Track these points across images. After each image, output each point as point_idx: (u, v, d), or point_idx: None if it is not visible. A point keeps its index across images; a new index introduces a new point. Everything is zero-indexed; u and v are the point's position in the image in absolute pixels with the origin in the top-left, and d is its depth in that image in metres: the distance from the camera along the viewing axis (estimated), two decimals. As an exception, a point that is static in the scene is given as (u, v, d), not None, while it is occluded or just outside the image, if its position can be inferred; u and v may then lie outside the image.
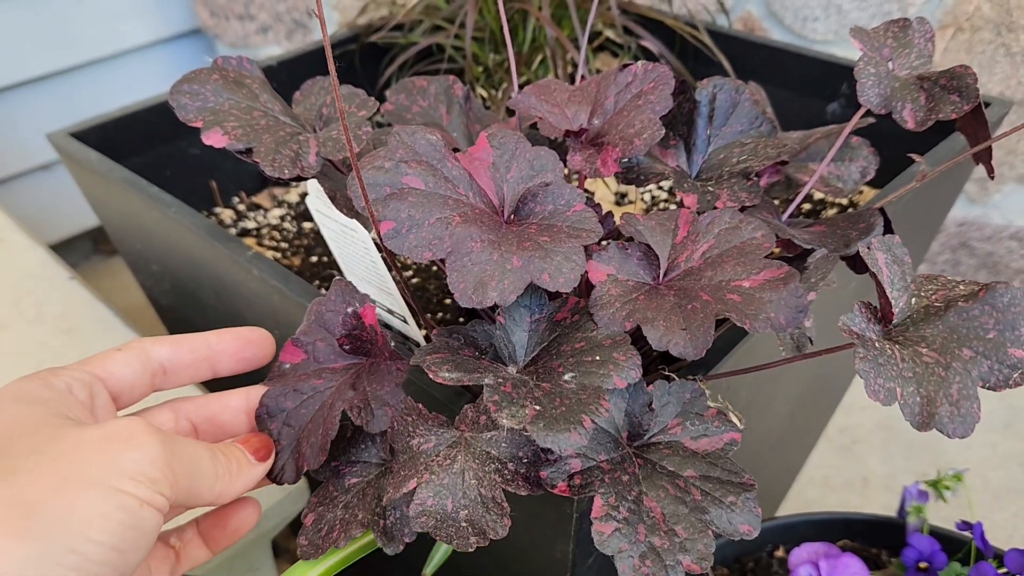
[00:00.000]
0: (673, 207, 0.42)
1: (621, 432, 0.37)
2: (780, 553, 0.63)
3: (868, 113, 0.44)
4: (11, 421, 0.33)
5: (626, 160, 0.46)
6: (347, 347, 0.40)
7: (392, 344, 0.40)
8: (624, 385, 0.34)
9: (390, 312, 0.49)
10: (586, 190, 0.45)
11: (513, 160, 0.40)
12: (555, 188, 0.39)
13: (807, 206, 0.74)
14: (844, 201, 0.74)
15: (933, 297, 0.37)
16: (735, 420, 0.37)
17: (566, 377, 0.35)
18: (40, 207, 1.39)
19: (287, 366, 0.41)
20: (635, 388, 0.37)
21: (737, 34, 0.82)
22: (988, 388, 0.35)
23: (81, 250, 1.50)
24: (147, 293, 0.80)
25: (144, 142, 0.74)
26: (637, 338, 0.36)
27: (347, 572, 0.39)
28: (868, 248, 0.37)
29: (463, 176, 0.39)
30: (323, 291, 0.51)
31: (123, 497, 0.30)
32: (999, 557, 0.54)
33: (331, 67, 0.32)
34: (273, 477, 0.39)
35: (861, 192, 0.74)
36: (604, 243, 0.42)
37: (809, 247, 0.42)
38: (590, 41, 0.85)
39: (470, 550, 0.33)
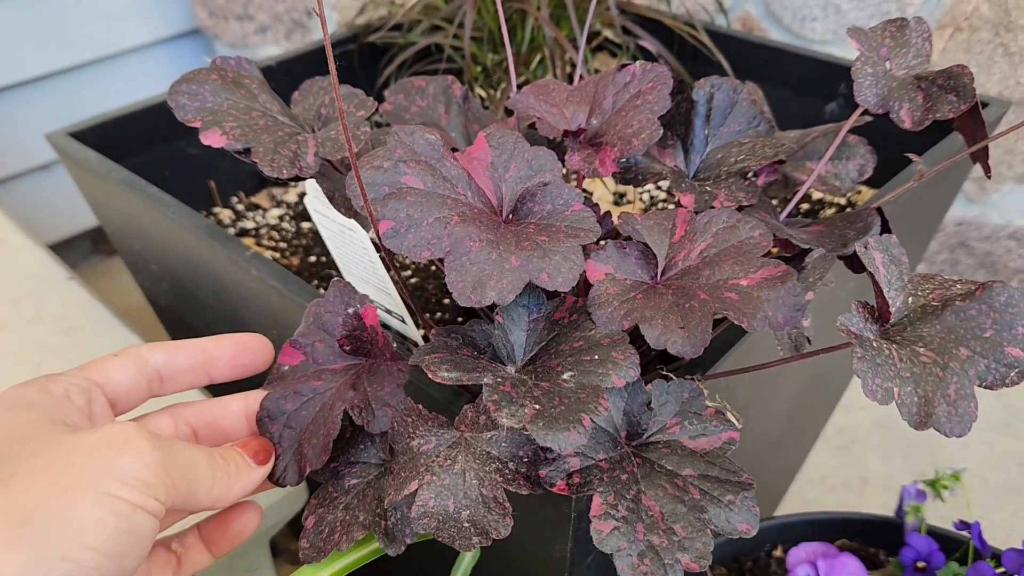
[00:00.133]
0: (671, 207, 0.43)
1: (620, 431, 0.37)
2: (778, 552, 0.63)
3: (865, 113, 0.44)
4: (7, 428, 0.33)
5: (624, 160, 0.46)
6: (347, 348, 0.40)
7: (394, 345, 0.40)
8: (623, 384, 0.34)
9: (388, 312, 0.49)
10: (584, 190, 0.45)
11: (511, 160, 0.40)
12: (553, 188, 0.39)
13: (805, 205, 0.74)
14: (842, 201, 0.74)
15: (930, 296, 0.37)
16: (733, 419, 0.37)
17: (565, 376, 0.35)
18: (39, 207, 1.39)
19: (286, 368, 0.41)
20: (634, 387, 0.37)
21: (735, 34, 0.82)
22: (985, 387, 0.35)
23: (80, 250, 1.50)
24: (146, 293, 0.80)
25: (143, 142, 0.74)
26: (635, 337, 0.36)
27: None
28: (865, 247, 0.37)
29: (462, 176, 0.39)
30: (322, 291, 0.51)
31: (117, 503, 0.30)
32: (997, 557, 0.54)
33: (331, 67, 0.32)
34: (275, 479, 0.39)
35: (859, 192, 0.74)
36: (602, 242, 0.42)
37: (807, 247, 0.42)
38: (588, 41, 0.85)
39: (473, 550, 0.33)
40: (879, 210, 0.43)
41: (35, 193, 1.38)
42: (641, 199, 0.77)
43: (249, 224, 0.77)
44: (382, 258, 0.44)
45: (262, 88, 0.46)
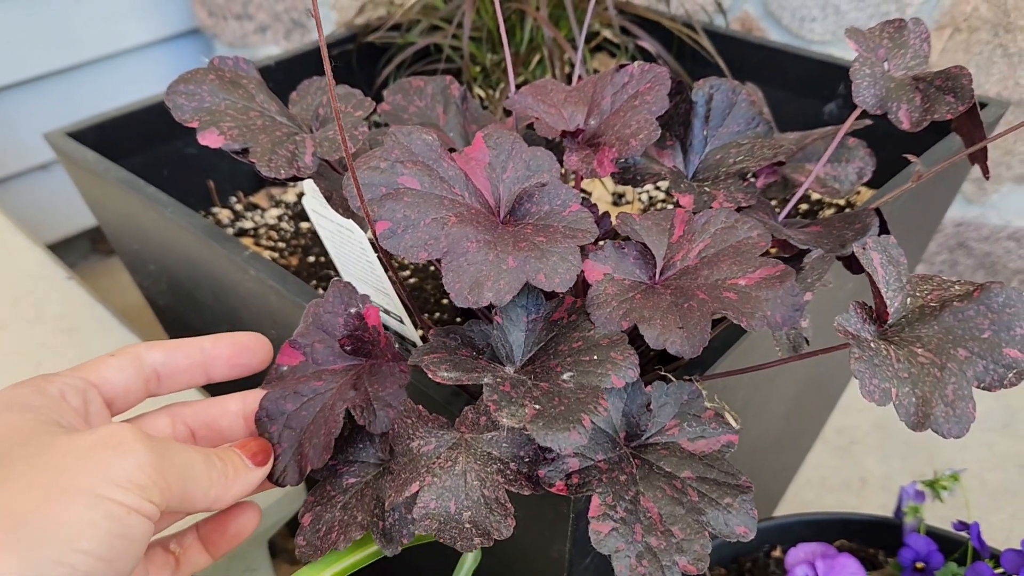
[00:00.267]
0: (670, 207, 0.42)
1: (619, 432, 0.37)
2: (777, 553, 0.63)
3: (864, 114, 0.44)
4: (1, 430, 0.33)
5: (622, 160, 0.46)
6: (348, 348, 0.40)
7: (396, 346, 0.40)
8: (622, 384, 0.34)
9: (387, 312, 0.49)
10: (583, 190, 0.45)
11: (509, 160, 0.40)
12: (551, 188, 0.39)
13: (804, 207, 0.74)
14: (841, 202, 0.74)
15: (928, 297, 0.37)
16: (731, 420, 0.37)
17: (564, 377, 0.35)
18: (38, 207, 1.39)
19: (285, 368, 0.40)
20: (633, 388, 0.37)
21: (735, 34, 0.82)
22: (983, 388, 0.35)
23: (79, 250, 1.50)
24: (144, 293, 0.80)
25: (141, 142, 0.74)
26: (634, 337, 0.36)
27: None
28: (863, 248, 0.37)
29: (459, 176, 0.39)
30: (320, 292, 0.51)
31: (110, 505, 0.30)
32: (995, 557, 0.54)
33: (327, 67, 0.32)
34: (275, 479, 0.39)
35: (858, 193, 0.74)
36: (600, 243, 0.42)
37: (805, 247, 0.42)
38: (587, 41, 0.85)
39: (474, 551, 0.33)
40: (877, 211, 0.43)
41: (34, 193, 1.38)
42: (640, 199, 0.77)
43: (248, 224, 0.77)
44: (380, 258, 0.44)
45: (260, 88, 0.46)
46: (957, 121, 0.45)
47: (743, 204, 0.43)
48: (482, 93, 0.83)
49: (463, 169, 0.39)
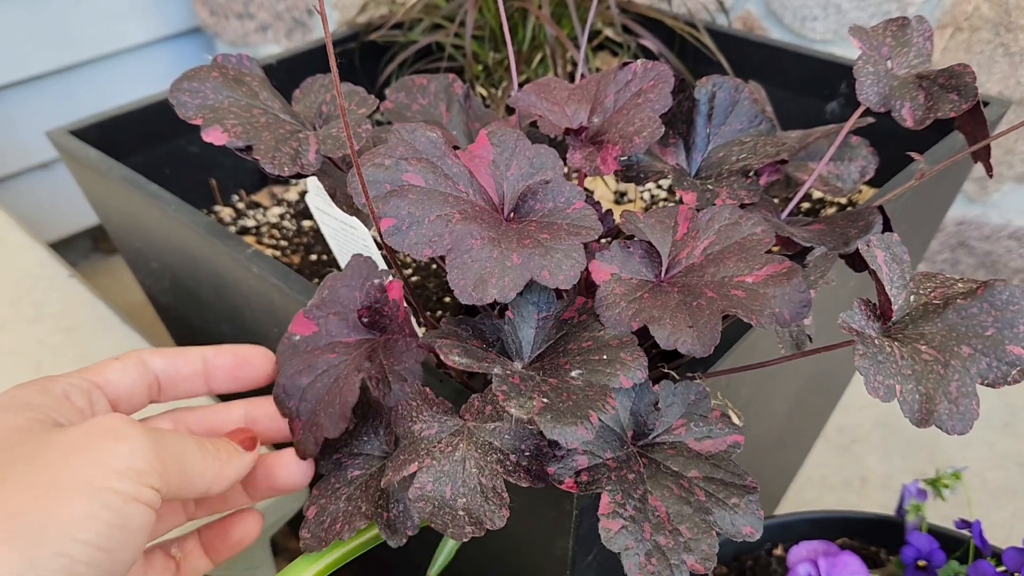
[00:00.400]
0: (673, 205, 0.43)
1: (626, 431, 0.37)
2: (779, 551, 0.63)
3: (867, 112, 0.44)
4: (2, 429, 0.33)
5: (625, 158, 0.46)
6: (366, 320, 0.40)
7: (413, 321, 0.39)
8: (630, 385, 0.35)
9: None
10: (585, 188, 0.45)
11: (513, 158, 0.40)
12: (555, 186, 0.39)
13: (806, 205, 0.74)
14: (843, 200, 0.74)
15: (932, 295, 0.38)
16: (734, 418, 0.38)
17: (573, 374, 0.35)
18: (39, 206, 1.39)
19: (297, 338, 0.40)
20: (641, 387, 0.37)
21: (736, 33, 0.83)
22: (987, 385, 0.35)
23: (80, 249, 1.50)
24: (146, 291, 0.80)
25: (144, 140, 0.74)
26: (638, 333, 0.36)
27: (349, 568, 0.39)
28: (867, 246, 0.37)
29: (463, 173, 0.39)
30: (323, 289, 0.51)
31: (109, 496, 0.30)
32: (997, 555, 0.54)
33: (332, 64, 0.32)
34: (299, 452, 0.39)
35: (860, 191, 0.74)
36: (605, 241, 0.42)
37: (808, 245, 0.42)
38: (589, 40, 0.85)
39: (465, 540, 0.33)
40: (881, 209, 0.43)
41: (35, 192, 1.38)
42: (642, 198, 0.77)
43: (250, 222, 0.77)
44: (384, 255, 0.44)
45: (263, 86, 0.46)
46: (960, 119, 0.45)
47: (746, 201, 0.43)
48: (484, 92, 0.83)
49: (467, 166, 0.39)
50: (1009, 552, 0.53)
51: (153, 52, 1.42)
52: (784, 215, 0.47)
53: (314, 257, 0.71)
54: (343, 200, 0.44)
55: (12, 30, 1.23)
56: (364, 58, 0.87)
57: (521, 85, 0.60)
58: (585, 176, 0.45)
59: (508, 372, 0.35)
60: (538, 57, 0.80)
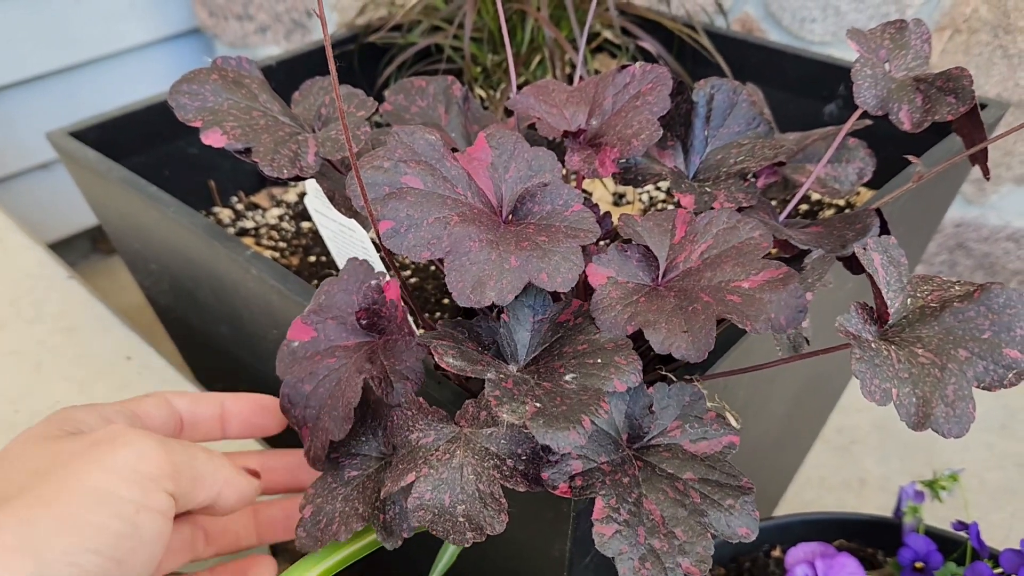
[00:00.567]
0: (671, 207, 0.43)
1: (621, 434, 0.37)
2: (777, 553, 0.63)
3: (865, 115, 0.44)
4: (29, 442, 0.33)
5: (624, 161, 0.46)
6: (364, 322, 0.40)
7: (411, 320, 0.40)
8: (624, 388, 0.35)
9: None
10: (584, 191, 0.45)
11: (511, 160, 0.40)
12: (553, 188, 0.39)
13: (804, 207, 0.74)
14: (841, 202, 0.74)
15: (929, 298, 0.38)
16: (732, 420, 0.38)
17: (567, 378, 0.35)
18: (38, 206, 1.39)
19: (296, 344, 0.40)
20: (636, 390, 0.37)
21: (735, 35, 0.83)
22: (983, 388, 0.35)
23: (79, 249, 1.50)
24: (145, 293, 0.80)
25: (143, 142, 0.74)
26: (635, 336, 0.36)
27: (349, 571, 0.39)
28: (864, 249, 0.37)
29: (462, 176, 0.39)
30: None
31: (119, 505, 0.30)
32: (995, 557, 0.54)
33: (331, 67, 0.32)
34: (309, 459, 0.39)
35: (858, 193, 0.74)
36: (602, 243, 0.42)
37: (806, 248, 0.42)
38: (588, 42, 0.85)
39: (466, 545, 0.33)
40: (878, 211, 0.43)
41: (34, 192, 1.38)
42: (640, 200, 0.78)
43: (249, 224, 0.77)
44: (382, 258, 0.45)
45: (262, 88, 0.46)
46: (958, 122, 0.45)
47: (744, 204, 0.43)
48: (483, 93, 0.83)
49: (466, 169, 0.39)
50: (1006, 554, 0.53)
51: (153, 53, 1.42)
52: (782, 217, 0.47)
53: (313, 259, 0.71)
54: (342, 202, 0.45)
55: (12, 30, 1.23)
56: (363, 60, 0.87)
57: (520, 87, 0.60)
58: (583, 178, 0.45)
59: (502, 376, 0.35)
60: (536, 59, 0.81)
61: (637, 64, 0.46)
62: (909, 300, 0.38)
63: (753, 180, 0.46)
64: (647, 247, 0.39)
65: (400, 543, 0.36)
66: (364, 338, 0.40)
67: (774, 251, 0.44)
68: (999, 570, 0.53)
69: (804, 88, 0.78)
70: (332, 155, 0.42)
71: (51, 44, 1.28)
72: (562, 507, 0.40)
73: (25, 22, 1.24)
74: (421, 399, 0.37)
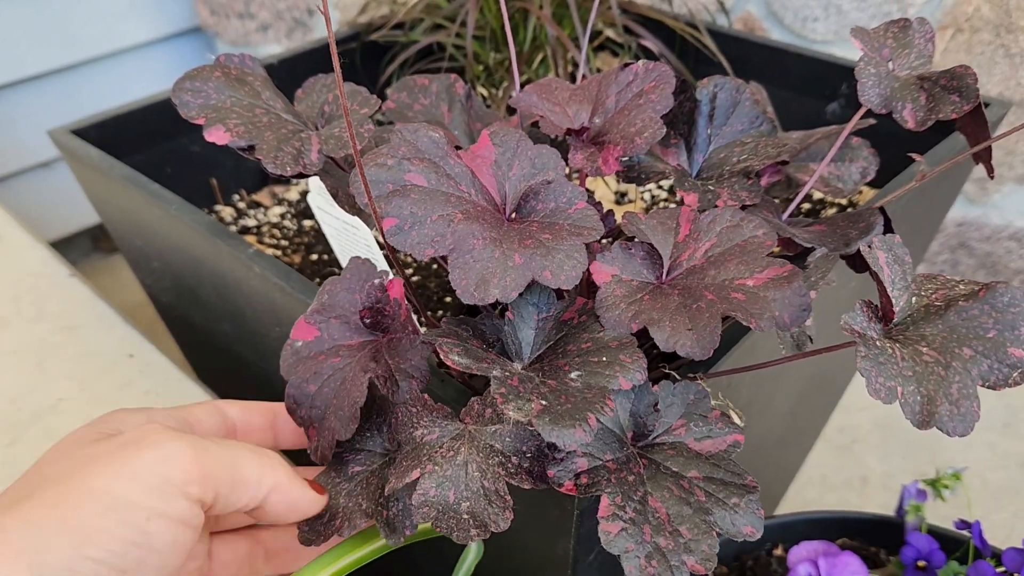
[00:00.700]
0: (673, 206, 0.43)
1: (626, 432, 0.37)
2: (779, 551, 0.63)
3: (868, 113, 0.44)
4: (64, 446, 0.32)
5: (627, 159, 0.46)
6: (368, 321, 0.39)
7: (415, 318, 0.39)
8: (629, 387, 0.35)
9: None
10: (586, 189, 0.45)
11: (515, 158, 0.40)
12: (557, 186, 0.39)
13: (806, 206, 0.74)
14: (844, 201, 0.74)
15: (933, 296, 0.38)
16: (736, 418, 0.38)
17: (572, 376, 0.35)
18: (39, 205, 1.39)
19: (300, 344, 0.40)
20: (640, 388, 0.37)
21: (737, 34, 0.83)
22: (988, 387, 0.35)
23: (80, 248, 1.50)
24: (147, 291, 0.80)
25: (145, 139, 0.74)
26: (639, 334, 0.36)
27: (366, 570, 0.39)
28: (869, 247, 0.37)
29: (465, 173, 0.39)
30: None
31: (128, 510, 0.28)
32: (997, 556, 0.54)
33: (335, 63, 0.32)
34: (314, 458, 0.39)
35: (861, 192, 0.74)
36: (606, 241, 0.42)
37: (809, 246, 0.42)
38: (590, 40, 0.85)
39: (471, 543, 0.33)
40: (882, 210, 0.43)
41: (35, 191, 1.38)
42: (643, 198, 0.77)
43: (251, 222, 0.77)
44: (386, 256, 0.44)
45: (265, 85, 0.46)
46: (961, 121, 0.45)
47: (748, 202, 0.43)
48: (485, 92, 0.83)
49: (469, 166, 0.39)
50: (1009, 553, 0.53)
51: (154, 51, 1.42)
52: (785, 216, 0.47)
53: (315, 257, 0.71)
54: (345, 200, 0.44)
55: (13, 29, 1.23)
56: (365, 58, 0.87)
57: (522, 85, 0.60)
58: (586, 177, 0.45)
59: (507, 374, 0.35)
60: (539, 57, 0.80)
61: (640, 62, 0.45)
62: (914, 299, 0.38)
63: (756, 179, 0.46)
64: (651, 245, 0.39)
65: (403, 540, 0.36)
66: (368, 337, 0.40)
67: (777, 250, 0.44)
68: (1002, 569, 0.53)
69: (806, 87, 0.78)
70: (335, 152, 0.42)
71: (52, 43, 1.28)
72: (566, 505, 0.40)
73: (26, 21, 1.24)
74: (426, 396, 0.37)
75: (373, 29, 0.86)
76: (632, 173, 0.47)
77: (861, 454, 1.02)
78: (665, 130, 0.42)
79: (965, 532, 0.56)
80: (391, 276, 0.40)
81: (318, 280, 0.67)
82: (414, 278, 0.67)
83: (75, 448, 0.32)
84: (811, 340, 0.43)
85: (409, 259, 0.70)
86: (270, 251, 0.72)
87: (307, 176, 0.42)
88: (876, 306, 0.37)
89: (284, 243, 0.74)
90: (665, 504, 0.34)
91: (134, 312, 1.21)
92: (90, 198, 0.73)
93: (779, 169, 0.49)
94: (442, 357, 0.35)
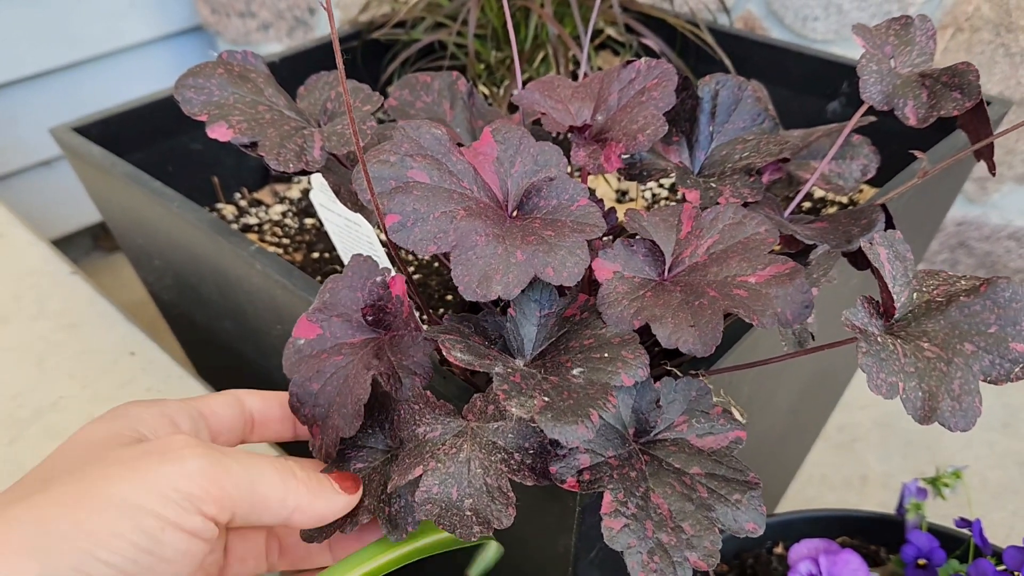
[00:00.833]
0: (675, 204, 0.43)
1: (628, 428, 0.37)
2: (779, 550, 0.63)
3: (870, 111, 0.44)
4: (79, 441, 0.32)
5: (629, 156, 0.46)
6: (370, 318, 0.40)
7: (418, 315, 0.39)
8: (632, 383, 0.35)
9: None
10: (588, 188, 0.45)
11: (517, 155, 0.40)
12: (559, 183, 0.39)
13: (807, 204, 0.74)
14: (844, 199, 0.74)
15: (935, 292, 0.38)
16: (737, 415, 0.38)
17: (574, 372, 0.35)
18: (40, 204, 1.39)
19: (302, 342, 0.40)
20: (643, 385, 0.37)
21: (738, 32, 0.83)
22: (990, 382, 0.35)
23: (81, 247, 1.50)
24: (149, 288, 0.80)
25: (147, 137, 0.74)
26: (641, 331, 0.36)
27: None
28: (871, 243, 0.37)
29: (468, 170, 0.39)
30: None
31: (144, 518, 0.29)
32: (997, 554, 0.54)
33: (339, 61, 0.32)
34: (319, 456, 0.39)
35: (861, 191, 0.74)
36: (607, 239, 0.42)
37: (811, 243, 0.42)
38: (591, 39, 0.85)
39: (474, 539, 0.33)
40: (883, 206, 0.43)
41: (36, 189, 1.38)
42: (643, 197, 0.78)
43: (252, 220, 0.77)
44: (388, 253, 0.45)
45: (268, 82, 0.46)
46: (963, 118, 0.45)
47: (750, 200, 0.43)
48: (486, 90, 0.83)
49: (471, 163, 0.39)
50: (1009, 551, 0.53)
51: (154, 50, 1.42)
52: (787, 213, 0.47)
53: (316, 255, 0.71)
54: (347, 197, 0.45)
55: (14, 28, 1.23)
56: (366, 56, 0.87)
57: (524, 84, 0.60)
58: (588, 174, 0.45)
59: (509, 370, 0.35)
60: (540, 56, 0.81)
61: (642, 60, 0.46)
62: (915, 295, 0.38)
63: (758, 176, 0.46)
64: (653, 242, 0.39)
65: (405, 536, 0.36)
66: (370, 334, 0.40)
67: (779, 247, 0.44)
68: (1002, 567, 0.53)
69: (807, 85, 0.78)
70: (338, 149, 0.42)
71: (53, 42, 1.28)
72: (568, 502, 0.40)
73: (27, 20, 1.24)
74: (428, 393, 0.37)
75: (374, 27, 0.86)
76: (634, 170, 0.47)
77: (861, 452, 1.02)
78: (667, 127, 0.42)
79: (965, 530, 0.57)
80: (393, 273, 0.40)
81: (320, 278, 0.67)
82: (416, 276, 0.67)
83: (93, 447, 0.32)
84: (813, 337, 0.43)
85: (411, 257, 0.70)
86: (272, 249, 0.72)
87: (309, 173, 0.42)
88: (877, 302, 0.37)
89: (286, 241, 0.74)
90: (667, 500, 0.34)
91: (135, 310, 1.21)
92: (92, 196, 0.73)
93: (780, 167, 0.49)
94: (444, 354, 0.35)
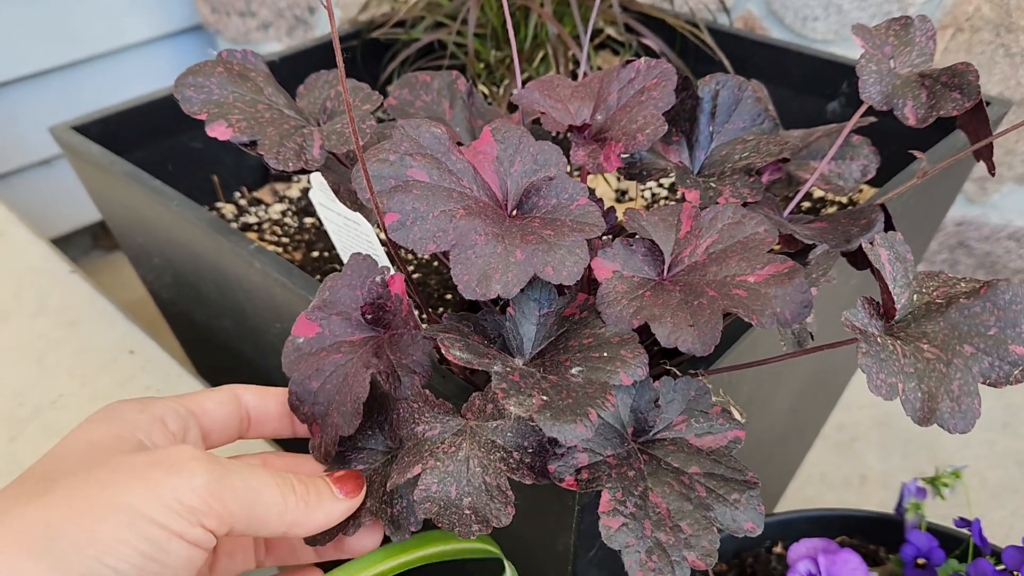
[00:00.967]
0: (675, 203, 0.43)
1: (627, 428, 0.37)
2: (779, 549, 0.63)
3: (869, 111, 0.44)
4: (79, 440, 0.33)
5: (628, 155, 0.46)
6: (369, 316, 0.40)
7: (417, 314, 0.39)
8: (630, 382, 0.35)
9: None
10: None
11: (517, 154, 0.40)
12: (559, 182, 0.39)
13: (806, 204, 0.74)
14: (844, 199, 0.74)
15: (934, 294, 0.38)
16: (736, 414, 0.38)
17: (573, 371, 0.35)
18: (39, 202, 1.39)
19: (301, 340, 0.40)
20: (641, 384, 0.37)
21: (738, 32, 0.83)
22: (989, 384, 0.35)
23: (80, 246, 1.50)
24: (148, 287, 0.80)
25: (146, 136, 0.74)
26: (640, 330, 0.36)
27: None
28: (871, 244, 0.37)
29: (467, 169, 0.39)
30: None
31: (150, 528, 0.29)
32: (997, 554, 0.54)
33: (339, 59, 0.32)
34: (319, 456, 0.39)
35: (861, 191, 0.74)
36: (607, 238, 0.42)
37: (810, 243, 0.42)
38: (591, 39, 0.85)
39: (472, 538, 0.33)
40: (883, 207, 0.43)
41: (35, 188, 1.38)
42: (643, 197, 0.78)
43: (252, 219, 0.77)
44: (387, 251, 0.45)
45: (268, 81, 0.46)
46: (962, 118, 0.45)
47: (749, 200, 0.43)
48: (486, 90, 0.83)
49: (471, 162, 0.39)
50: (1009, 551, 0.53)
51: (154, 49, 1.42)
52: (786, 213, 0.47)
53: (316, 254, 0.71)
54: (347, 195, 0.45)
55: (14, 26, 1.23)
56: (366, 56, 0.87)
57: (523, 83, 0.60)
58: (588, 173, 0.45)
59: (508, 369, 0.35)
60: (540, 55, 0.81)
61: (642, 59, 0.46)
62: (915, 296, 0.38)
63: (758, 176, 0.46)
64: (652, 241, 0.39)
65: (407, 536, 0.36)
66: (369, 333, 0.40)
67: (778, 247, 0.44)
68: (1001, 567, 0.54)
69: (807, 86, 0.78)
70: (337, 148, 0.42)
71: (53, 40, 1.28)
72: (567, 501, 0.40)
73: (27, 18, 1.24)
74: (427, 392, 0.37)
75: (374, 27, 0.86)
76: (634, 170, 0.47)
77: (861, 452, 1.02)
78: (667, 127, 0.42)
79: (965, 530, 0.57)
80: (392, 272, 0.40)
81: (319, 277, 0.67)
82: (415, 275, 0.67)
83: (95, 450, 0.32)
84: (812, 337, 0.43)
85: (410, 255, 0.70)
86: (271, 248, 0.72)
87: (309, 172, 0.42)
88: (877, 303, 0.37)
89: (285, 240, 0.74)
90: (666, 499, 0.34)
91: (135, 308, 1.21)
92: (91, 194, 0.73)
93: (780, 167, 0.49)
94: (443, 353, 0.35)
